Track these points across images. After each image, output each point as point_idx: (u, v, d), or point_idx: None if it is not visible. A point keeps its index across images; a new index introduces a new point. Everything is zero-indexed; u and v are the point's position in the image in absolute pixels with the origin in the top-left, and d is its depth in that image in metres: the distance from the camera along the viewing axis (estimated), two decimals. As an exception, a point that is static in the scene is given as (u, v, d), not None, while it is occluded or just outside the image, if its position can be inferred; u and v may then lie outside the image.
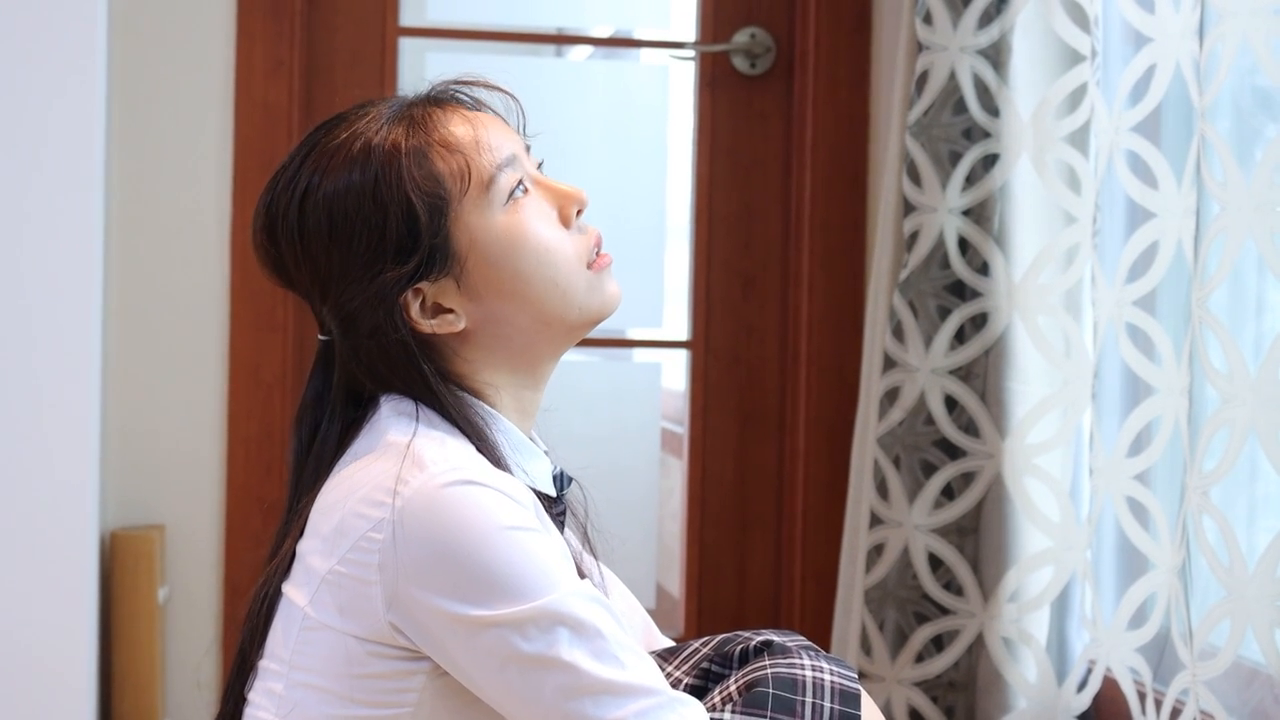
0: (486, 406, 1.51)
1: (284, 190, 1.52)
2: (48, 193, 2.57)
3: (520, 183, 1.52)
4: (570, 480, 1.58)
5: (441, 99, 1.56)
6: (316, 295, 1.52)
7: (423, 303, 1.49)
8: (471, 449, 1.45)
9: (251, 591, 1.53)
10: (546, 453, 1.58)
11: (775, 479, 3.00)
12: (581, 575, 1.46)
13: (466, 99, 1.57)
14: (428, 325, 1.49)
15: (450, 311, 1.50)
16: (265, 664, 1.48)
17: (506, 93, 1.58)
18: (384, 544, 1.38)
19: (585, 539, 1.62)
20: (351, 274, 1.48)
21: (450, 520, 1.37)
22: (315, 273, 1.50)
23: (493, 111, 1.57)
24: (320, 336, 1.56)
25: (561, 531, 1.55)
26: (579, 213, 1.55)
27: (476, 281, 1.49)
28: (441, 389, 1.49)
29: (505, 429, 1.51)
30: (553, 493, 1.55)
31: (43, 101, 2.56)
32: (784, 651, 1.52)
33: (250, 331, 2.80)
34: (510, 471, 1.47)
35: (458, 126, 1.52)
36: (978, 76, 2.41)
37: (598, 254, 1.54)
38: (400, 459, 1.40)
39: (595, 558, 1.62)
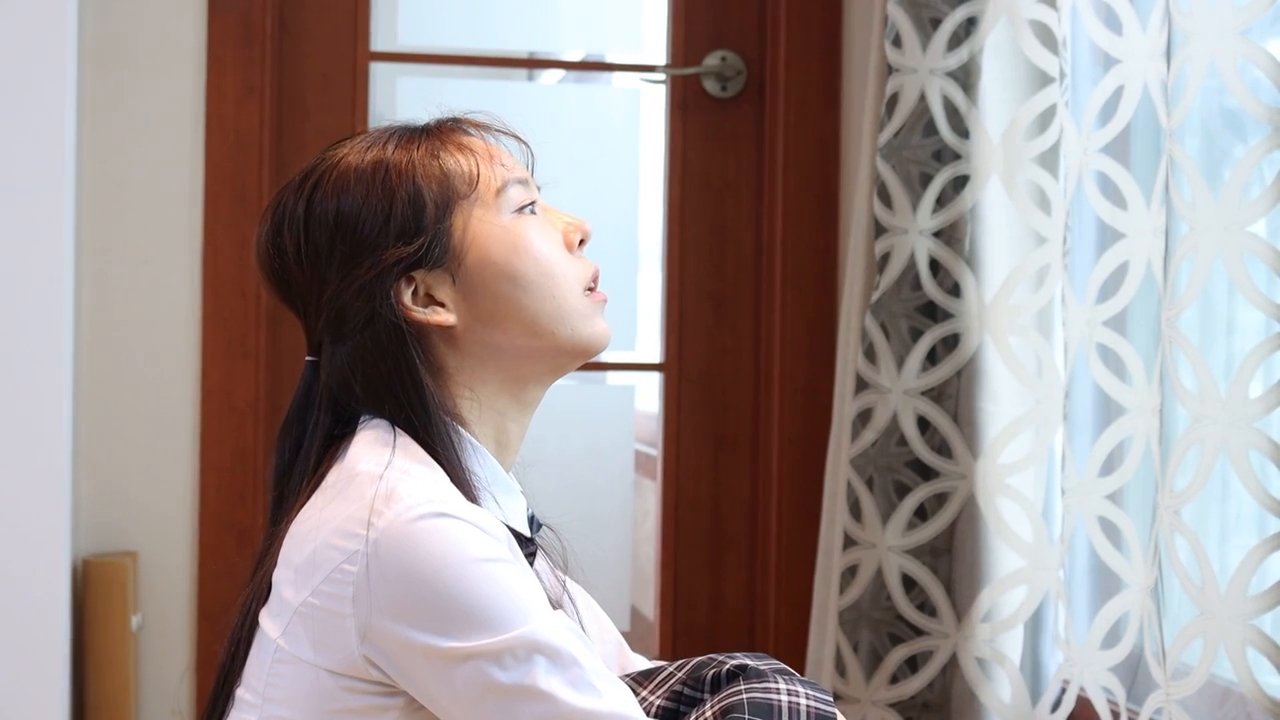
0: (468, 435, 1.50)
1: (293, 191, 1.53)
2: (17, 219, 2.56)
3: (532, 204, 1.54)
4: (540, 525, 1.58)
5: (454, 127, 1.57)
6: (314, 293, 1.51)
7: (415, 291, 1.50)
8: (445, 480, 1.44)
9: (232, 616, 1.52)
10: (522, 493, 1.57)
11: (749, 501, 3.00)
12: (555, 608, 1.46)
13: (476, 135, 1.58)
14: (420, 313, 1.49)
15: (442, 305, 1.50)
16: (241, 694, 1.47)
17: (518, 138, 1.60)
18: (358, 576, 1.37)
19: (563, 584, 1.61)
20: (353, 259, 1.48)
21: (424, 553, 1.36)
22: (316, 264, 1.50)
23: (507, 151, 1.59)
24: (308, 358, 1.54)
25: (531, 567, 1.54)
26: (582, 243, 1.57)
27: (473, 280, 1.50)
28: (428, 389, 1.48)
29: (484, 461, 1.50)
30: (526, 531, 1.54)
31: (11, 128, 2.56)
32: (759, 676, 1.52)
33: (222, 358, 2.79)
34: (482, 505, 1.46)
35: (472, 140, 1.55)
36: (947, 98, 2.42)
37: (594, 287, 1.56)
38: (373, 490, 1.39)
39: (573, 600, 1.61)
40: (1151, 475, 2.03)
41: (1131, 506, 2.25)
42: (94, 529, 2.75)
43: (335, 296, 1.49)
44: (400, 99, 3.08)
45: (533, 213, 1.54)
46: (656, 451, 3.07)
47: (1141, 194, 2.11)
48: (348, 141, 1.55)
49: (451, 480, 1.45)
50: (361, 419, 1.50)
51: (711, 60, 2.98)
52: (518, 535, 1.51)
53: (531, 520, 1.57)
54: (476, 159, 1.52)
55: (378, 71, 2.96)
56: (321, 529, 1.40)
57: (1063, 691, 2.30)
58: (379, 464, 1.42)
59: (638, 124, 3.08)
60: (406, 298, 1.49)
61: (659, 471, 3.03)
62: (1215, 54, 1.84)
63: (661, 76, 3.00)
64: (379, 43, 2.95)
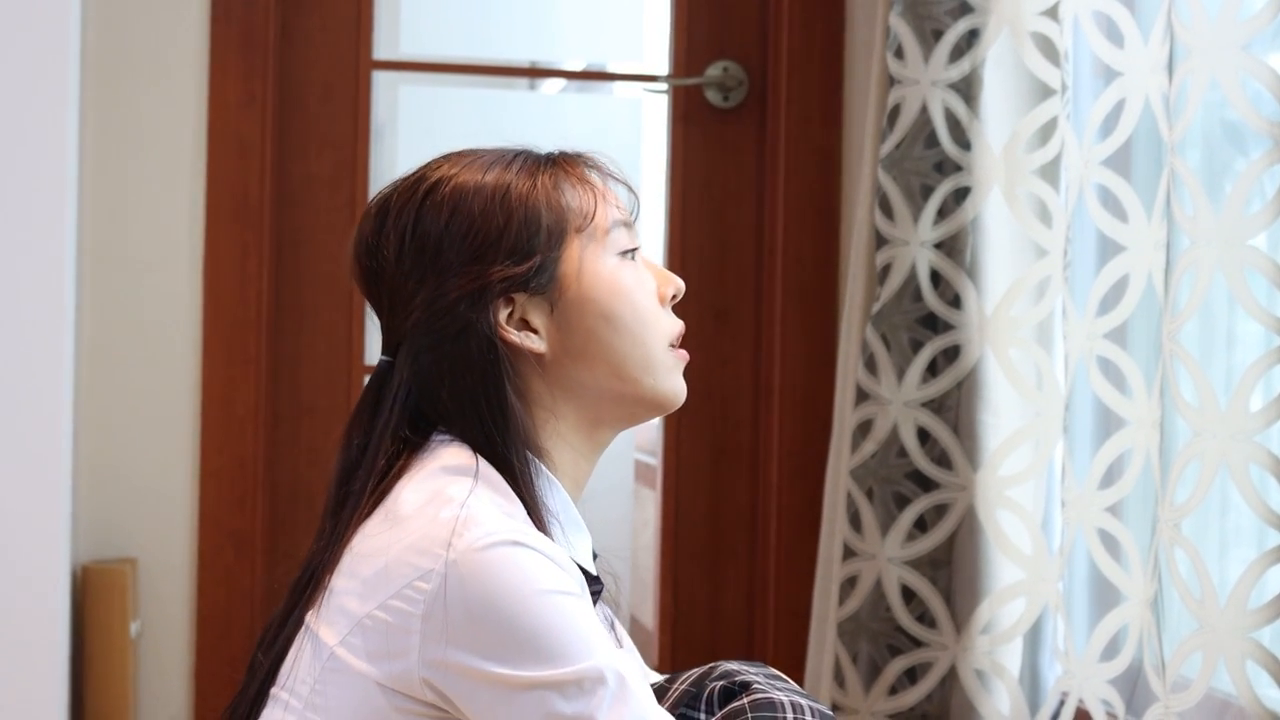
0: (546, 471, 1.52)
1: (403, 194, 1.55)
2: (18, 226, 2.57)
3: (634, 250, 1.58)
4: (596, 555, 1.59)
5: (575, 160, 1.60)
6: (408, 291, 1.52)
7: (511, 313, 1.51)
8: (522, 511, 1.46)
9: (273, 613, 1.52)
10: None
11: (748, 511, 3.00)
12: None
13: (593, 174, 1.60)
14: (514, 335, 1.51)
15: (535, 332, 1.52)
16: (279, 693, 1.46)
17: (626, 184, 1.63)
18: (430, 595, 1.38)
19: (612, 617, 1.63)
20: (458, 264, 1.50)
21: (497, 580, 1.38)
22: (418, 262, 1.51)
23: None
24: (383, 357, 1.55)
25: (595, 607, 1.55)
26: (673, 298, 1.60)
27: (570, 312, 1.52)
28: (514, 410, 1.50)
29: (557, 496, 1.52)
30: (594, 570, 1.56)
31: (14, 136, 2.56)
32: (760, 691, 1.53)
33: (222, 365, 2.79)
34: (553, 539, 1.47)
35: (591, 175, 1.58)
36: (949, 110, 2.42)
37: (678, 344, 1.59)
38: (453, 514, 1.40)
39: (615, 630, 1.63)
40: (1151, 488, 2.03)
41: (1131, 519, 2.25)
42: (94, 535, 2.74)
43: (432, 298, 1.50)
44: (402, 108, 3.08)
45: (633, 259, 1.57)
46: (656, 460, 3.07)
47: (1143, 207, 2.11)
48: (460, 158, 1.56)
49: (527, 511, 1.46)
50: (437, 435, 1.51)
51: (713, 70, 2.98)
52: (585, 573, 1.52)
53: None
54: (595, 196, 1.56)
55: (380, 80, 2.97)
56: (395, 545, 1.41)
57: (1061, 704, 2.30)
58: (462, 489, 1.43)
59: (639, 134, 3.09)
60: (502, 317, 1.51)
61: (658, 481, 3.03)
62: (1217, 67, 1.84)
63: (663, 86, 3.00)
64: (381, 51, 2.95)
